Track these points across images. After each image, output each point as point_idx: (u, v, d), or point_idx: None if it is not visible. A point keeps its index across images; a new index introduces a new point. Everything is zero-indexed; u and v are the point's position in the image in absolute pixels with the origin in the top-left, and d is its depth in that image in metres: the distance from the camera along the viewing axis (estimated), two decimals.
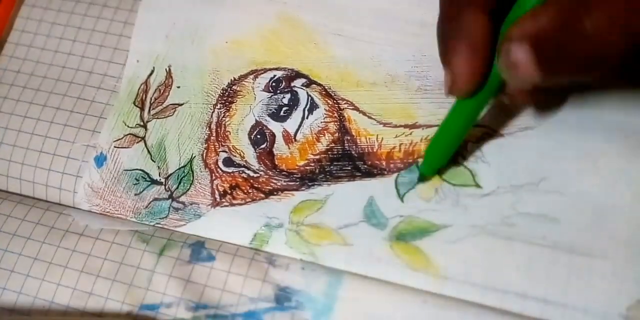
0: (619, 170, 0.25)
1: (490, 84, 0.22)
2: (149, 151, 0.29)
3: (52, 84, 0.31)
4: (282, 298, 0.25)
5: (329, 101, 0.29)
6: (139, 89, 0.31)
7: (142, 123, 0.30)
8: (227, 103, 0.30)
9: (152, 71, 0.31)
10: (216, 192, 0.28)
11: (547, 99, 0.26)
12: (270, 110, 0.29)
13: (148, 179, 0.29)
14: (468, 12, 0.21)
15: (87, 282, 0.26)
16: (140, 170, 0.29)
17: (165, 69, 0.31)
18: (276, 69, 0.30)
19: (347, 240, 0.26)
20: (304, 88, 0.29)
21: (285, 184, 0.28)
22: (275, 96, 0.29)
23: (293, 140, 0.28)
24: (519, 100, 0.25)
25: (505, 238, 0.25)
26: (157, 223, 0.28)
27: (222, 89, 0.30)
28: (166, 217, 0.28)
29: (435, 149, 0.25)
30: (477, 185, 0.26)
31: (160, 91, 0.31)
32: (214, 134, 0.29)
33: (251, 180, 0.28)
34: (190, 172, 0.29)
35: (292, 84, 0.29)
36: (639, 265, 0.23)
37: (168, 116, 0.30)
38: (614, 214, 0.24)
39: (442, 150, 0.25)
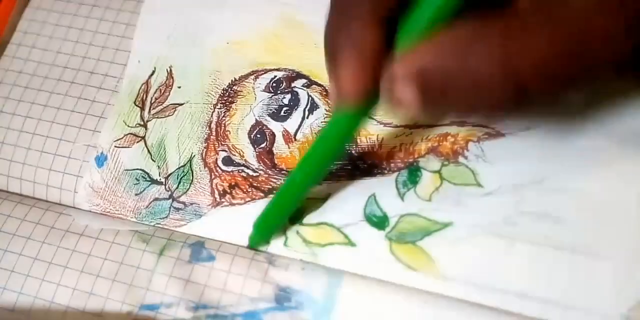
0: (622, 170, 0.25)
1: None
2: (149, 151, 0.30)
3: (54, 84, 0.32)
4: (282, 298, 0.25)
5: (329, 102, 0.29)
6: (139, 89, 0.31)
7: (142, 122, 0.30)
8: (227, 103, 0.30)
9: (153, 71, 0.31)
10: (216, 191, 0.28)
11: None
12: (271, 110, 0.29)
13: (148, 178, 0.29)
14: (358, 24, 0.20)
15: (87, 282, 0.26)
16: (140, 170, 0.29)
17: (167, 70, 0.31)
18: (277, 69, 0.30)
19: (347, 239, 0.26)
20: (304, 88, 0.29)
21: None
22: (276, 96, 0.29)
23: (293, 139, 0.28)
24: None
25: (507, 238, 0.25)
26: (158, 223, 0.28)
27: (223, 89, 0.30)
28: (167, 217, 0.28)
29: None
30: (479, 185, 0.26)
31: (160, 91, 0.31)
32: (214, 134, 0.29)
33: (250, 179, 0.28)
34: (190, 171, 0.29)
35: (293, 85, 0.29)
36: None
37: (168, 116, 0.30)
38: (617, 214, 0.24)
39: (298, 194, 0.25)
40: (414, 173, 0.27)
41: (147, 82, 0.31)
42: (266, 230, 0.26)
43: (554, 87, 0.18)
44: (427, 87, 0.18)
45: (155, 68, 0.31)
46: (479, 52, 0.18)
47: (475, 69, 0.18)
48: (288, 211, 0.26)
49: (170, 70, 0.31)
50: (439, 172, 0.26)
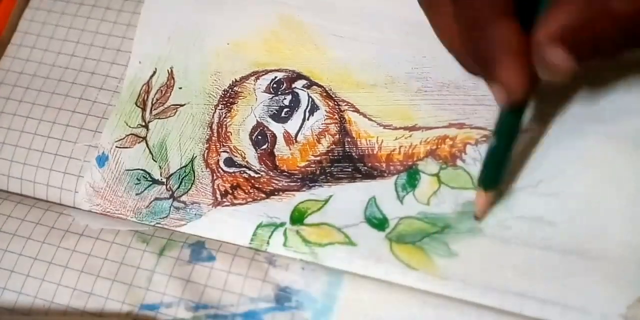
0: (617, 172, 0.25)
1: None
2: (150, 151, 0.30)
3: (55, 85, 0.32)
4: (282, 298, 0.25)
5: (329, 103, 0.29)
6: (140, 89, 0.31)
7: (143, 123, 0.30)
8: (228, 104, 0.30)
9: (154, 72, 0.31)
10: (217, 192, 0.28)
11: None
12: (272, 111, 0.29)
13: (149, 178, 0.29)
14: (498, 21, 0.21)
15: (87, 282, 0.26)
16: (141, 170, 0.29)
17: (167, 70, 0.31)
18: (277, 70, 0.30)
19: (347, 239, 0.26)
20: (304, 89, 0.29)
21: (286, 184, 0.28)
22: (276, 97, 0.29)
23: (294, 141, 0.29)
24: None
25: (504, 240, 0.25)
26: (158, 223, 0.28)
27: (224, 90, 0.30)
28: (167, 216, 0.28)
29: (494, 163, 0.25)
30: (476, 189, 0.26)
31: (162, 92, 0.31)
32: (215, 135, 0.29)
33: (252, 181, 0.28)
34: (192, 172, 0.29)
35: (293, 86, 0.30)
36: (638, 265, 0.24)
37: (169, 116, 0.30)
38: (613, 214, 0.25)
39: (500, 162, 0.25)
40: (413, 176, 0.27)
41: (148, 83, 0.31)
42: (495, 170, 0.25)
43: None
44: (575, 43, 0.20)
45: (156, 69, 0.31)
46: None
47: (621, 7, 0.19)
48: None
49: (171, 71, 0.31)
50: (437, 175, 0.27)
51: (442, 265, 0.25)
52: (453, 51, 0.24)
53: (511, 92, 0.21)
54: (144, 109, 0.31)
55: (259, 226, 0.27)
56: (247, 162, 0.29)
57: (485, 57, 0.22)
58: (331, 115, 0.29)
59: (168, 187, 0.29)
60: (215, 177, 0.29)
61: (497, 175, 0.25)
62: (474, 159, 0.27)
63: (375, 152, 0.28)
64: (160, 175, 0.29)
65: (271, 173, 0.28)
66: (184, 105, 0.30)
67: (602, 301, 0.23)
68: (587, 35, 0.20)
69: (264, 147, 0.29)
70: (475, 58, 0.22)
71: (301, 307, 0.25)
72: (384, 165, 0.27)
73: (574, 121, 0.26)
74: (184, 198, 0.28)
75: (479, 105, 0.28)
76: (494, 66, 0.21)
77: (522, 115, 0.23)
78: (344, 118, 0.28)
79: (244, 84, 0.30)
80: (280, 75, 0.30)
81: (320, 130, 0.28)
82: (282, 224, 0.27)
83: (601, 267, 0.24)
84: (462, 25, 0.22)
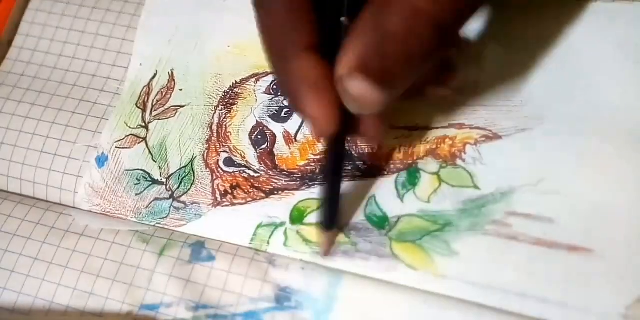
0: (617, 171, 0.25)
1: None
2: (150, 152, 0.30)
3: (55, 87, 0.32)
4: (282, 298, 0.25)
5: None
6: (141, 91, 0.31)
7: (143, 124, 0.30)
8: (228, 105, 0.30)
9: (155, 74, 0.31)
10: (217, 191, 0.28)
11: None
12: (271, 111, 0.29)
13: (149, 179, 0.29)
14: (299, 55, 0.20)
15: (87, 282, 0.26)
16: (141, 170, 0.29)
17: (168, 73, 0.31)
18: None
19: (347, 239, 0.26)
20: None
21: (285, 183, 0.28)
22: (277, 98, 0.30)
23: (294, 140, 0.29)
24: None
25: (504, 238, 0.25)
26: (158, 223, 0.28)
27: (224, 92, 0.30)
28: (167, 216, 0.28)
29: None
30: (476, 187, 0.26)
31: (162, 94, 0.31)
32: (215, 135, 0.30)
33: (252, 180, 0.28)
34: (192, 172, 0.29)
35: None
36: (638, 264, 0.24)
37: (169, 117, 0.30)
38: (613, 213, 0.24)
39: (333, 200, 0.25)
40: (413, 175, 0.27)
41: (148, 85, 0.31)
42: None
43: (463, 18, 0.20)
44: (371, 68, 0.19)
45: (157, 71, 0.31)
46: (393, 19, 0.19)
47: (398, 31, 0.19)
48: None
49: (172, 73, 0.31)
50: (437, 174, 0.27)
51: (443, 264, 0.25)
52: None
53: (319, 128, 0.21)
54: (144, 110, 0.31)
55: (259, 226, 0.27)
56: (246, 161, 0.29)
57: (290, 93, 0.21)
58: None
59: (168, 187, 0.29)
60: (214, 177, 0.29)
61: (333, 215, 0.25)
62: (474, 159, 0.27)
63: (375, 151, 0.28)
64: (160, 176, 0.29)
65: (271, 172, 0.28)
66: (184, 106, 0.30)
67: (602, 301, 0.23)
68: (381, 60, 0.19)
69: (264, 146, 0.29)
70: (283, 92, 0.22)
71: (301, 307, 0.25)
72: (384, 163, 0.27)
73: (574, 120, 0.26)
74: (183, 198, 0.29)
75: (478, 106, 0.28)
76: (299, 103, 0.21)
77: (342, 148, 0.23)
78: None
79: (244, 85, 0.30)
80: None
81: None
82: (282, 224, 0.27)
83: (601, 267, 0.24)
84: (270, 57, 0.22)
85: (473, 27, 0.28)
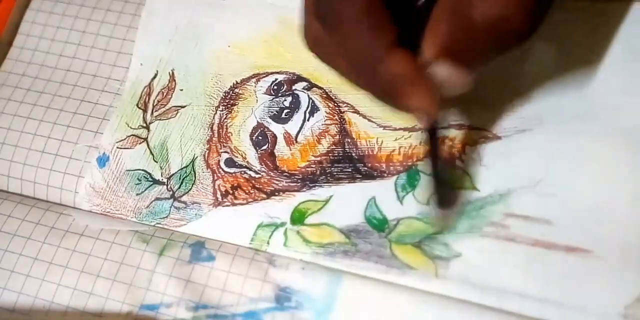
0: (616, 172, 0.25)
1: None
2: (151, 152, 0.30)
3: (56, 87, 0.32)
4: (282, 298, 0.25)
5: (329, 104, 0.29)
6: (142, 91, 0.31)
7: (144, 124, 0.30)
8: (229, 105, 0.30)
9: (156, 75, 0.31)
10: (218, 192, 0.28)
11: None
12: (272, 112, 0.29)
13: (150, 179, 0.29)
14: (388, 55, 0.21)
15: (87, 282, 0.26)
16: (142, 170, 0.30)
17: (169, 73, 0.31)
18: (278, 72, 0.30)
19: (347, 240, 0.26)
20: (305, 91, 0.30)
21: (286, 184, 0.28)
22: (277, 99, 0.30)
23: (294, 141, 0.29)
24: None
25: (503, 239, 0.25)
26: (158, 223, 0.28)
27: (225, 92, 0.30)
28: (167, 216, 0.28)
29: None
30: (475, 188, 0.26)
31: (163, 94, 0.31)
32: (216, 135, 0.30)
33: (253, 181, 0.28)
34: (192, 172, 0.29)
35: (294, 87, 0.30)
36: (636, 264, 0.24)
37: (170, 118, 0.30)
38: (611, 214, 0.25)
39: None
40: (412, 176, 0.27)
41: (149, 85, 0.31)
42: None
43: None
44: (458, 53, 0.20)
45: (157, 71, 0.31)
46: (480, 6, 0.20)
47: (485, 17, 0.20)
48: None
49: (173, 73, 0.31)
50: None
51: (442, 265, 0.25)
52: (362, 89, 0.23)
53: (428, 117, 0.22)
54: (145, 111, 0.31)
55: (259, 226, 0.27)
56: (247, 162, 0.29)
57: (389, 93, 0.22)
58: (331, 116, 0.29)
59: (169, 187, 0.29)
60: (215, 178, 0.29)
61: (446, 195, 0.26)
62: (474, 160, 0.27)
63: (375, 153, 0.28)
64: (161, 176, 0.29)
65: (272, 173, 0.28)
66: (185, 106, 0.30)
67: (601, 301, 0.23)
68: (465, 45, 0.20)
69: (265, 147, 0.29)
70: (380, 96, 0.22)
71: (301, 307, 0.25)
72: (383, 165, 0.28)
73: (572, 121, 0.26)
74: (184, 198, 0.29)
75: (477, 106, 0.28)
76: (401, 99, 0.21)
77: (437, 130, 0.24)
78: (344, 119, 0.29)
79: (245, 85, 0.30)
80: (280, 77, 0.30)
81: (321, 131, 0.29)
82: (282, 224, 0.27)
83: (600, 267, 0.24)
84: (356, 65, 0.22)
85: None
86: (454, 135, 0.27)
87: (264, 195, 0.28)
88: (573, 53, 0.27)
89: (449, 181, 0.26)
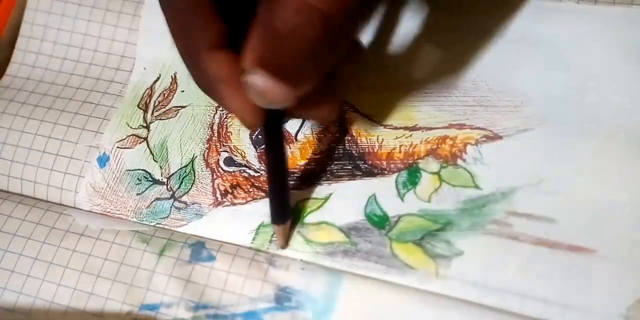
0: (618, 171, 0.25)
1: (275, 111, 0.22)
2: (151, 151, 0.30)
3: (60, 89, 0.32)
4: (282, 298, 0.25)
5: None
6: (144, 93, 0.31)
7: (144, 124, 0.31)
8: None
9: (158, 78, 0.32)
10: (217, 191, 0.28)
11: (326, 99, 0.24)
12: None
13: (150, 178, 0.29)
14: (205, 55, 0.21)
15: (87, 282, 0.26)
16: (142, 170, 0.30)
17: (171, 76, 0.31)
18: None
19: (347, 238, 0.26)
20: None
21: None
22: None
23: (294, 140, 0.29)
24: (309, 116, 0.24)
25: (505, 238, 0.25)
26: (158, 223, 0.28)
27: None
28: (167, 216, 0.28)
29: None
30: (477, 187, 0.26)
31: (164, 95, 0.31)
32: (216, 135, 0.30)
33: (252, 180, 0.28)
34: (192, 171, 0.29)
35: None
36: (638, 264, 0.23)
37: (170, 117, 0.30)
38: (613, 213, 0.24)
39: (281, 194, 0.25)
40: (413, 174, 0.27)
41: (151, 88, 0.31)
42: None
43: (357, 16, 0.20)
44: (267, 63, 0.19)
45: (160, 75, 0.32)
46: (281, 14, 0.18)
47: (285, 27, 0.18)
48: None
49: (175, 76, 0.31)
50: (438, 173, 0.27)
51: (443, 264, 0.25)
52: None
53: (244, 121, 0.21)
54: (145, 111, 0.31)
55: (260, 226, 0.27)
56: (247, 161, 0.29)
57: (208, 90, 0.22)
58: None
59: (169, 187, 0.29)
60: (215, 177, 0.29)
61: (283, 209, 0.25)
62: (475, 159, 0.27)
63: (375, 151, 0.28)
64: (161, 176, 0.29)
65: None
66: (186, 106, 0.31)
67: (602, 301, 0.23)
68: (279, 55, 0.19)
69: (264, 146, 0.29)
70: (202, 89, 0.22)
71: (301, 307, 0.25)
72: (384, 163, 0.27)
73: (574, 120, 0.26)
74: (184, 198, 0.29)
75: (478, 106, 0.28)
76: (218, 99, 0.21)
77: (279, 137, 0.23)
78: (344, 117, 0.29)
79: None
80: None
81: (321, 129, 0.29)
82: None
83: (602, 267, 0.24)
84: (183, 59, 0.22)
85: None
86: (455, 134, 0.27)
87: (263, 194, 0.28)
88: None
89: (286, 192, 0.25)
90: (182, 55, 0.22)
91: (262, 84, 0.19)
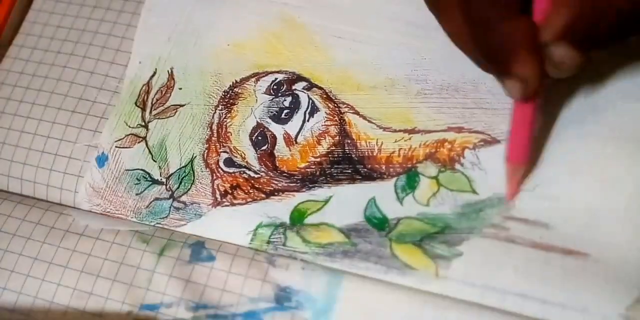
0: (613, 175, 0.25)
1: None
2: (150, 151, 0.30)
3: (54, 84, 0.32)
4: (282, 298, 0.25)
5: (329, 105, 0.29)
6: (140, 90, 0.31)
7: (143, 123, 0.30)
8: (228, 105, 0.30)
9: (154, 73, 0.31)
10: (217, 191, 0.28)
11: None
12: (272, 112, 0.29)
13: (149, 178, 0.29)
14: (512, 19, 0.22)
15: (87, 282, 0.26)
16: (141, 170, 0.29)
17: (168, 71, 0.31)
18: (277, 72, 0.30)
19: (347, 240, 0.27)
20: (305, 91, 0.30)
21: (286, 185, 0.28)
22: (277, 99, 0.30)
23: (294, 142, 0.29)
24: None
25: (503, 241, 0.25)
26: (158, 223, 0.28)
27: (224, 91, 0.30)
28: (167, 216, 0.28)
29: None
30: (474, 192, 0.26)
31: (162, 92, 0.31)
32: (215, 135, 0.30)
33: (252, 181, 0.28)
34: (191, 172, 0.29)
35: (294, 87, 0.30)
36: (637, 265, 0.24)
37: (169, 117, 0.30)
38: (610, 216, 0.25)
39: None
40: (412, 178, 0.27)
41: (148, 84, 0.31)
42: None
43: None
44: (579, 37, 0.21)
45: (156, 69, 0.31)
46: None
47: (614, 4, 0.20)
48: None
49: (171, 71, 0.31)
50: (436, 178, 0.27)
51: (442, 264, 0.25)
52: (466, 52, 0.24)
53: (528, 83, 0.22)
54: (143, 109, 0.31)
55: (259, 226, 0.27)
56: (247, 162, 0.29)
57: (499, 54, 0.22)
58: (331, 117, 0.29)
59: (168, 187, 0.29)
60: (215, 177, 0.29)
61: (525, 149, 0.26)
62: (472, 163, 0.27)
63: (375, 154, 0.28)
64: (160, 175, 0.29)
65: (271, 174, 0.28)
66: (184, 105, 0.30)
67: (602, 301, 0.24)
68: (588, 30, 0.21)
69: (264, 147, 0.29)
70: (488, 56, 0.23)
71: (301, 307, 0.25)
72: (383, 167, 0.28)
73: (571, 124, 0.27)
74: (183, 198, 0.29)
75: (477, 108, 0.28)
76: (510, 61, 0.22)
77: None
78: (344, 120, 0.29)
79: (244, 85, 0.30)
80: (280, 76, 0.30)
81: (320, 131, 0.29)
82: (282, 224, 0.27)
83: (601, 268, 0.24)
84: (475, 25, 0.22)
85: None
86: (453, 138, 0.27)
87: (263, 195, 0.28)
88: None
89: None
90: (475, 18, 0.22)
91: (564, 56, 0.21)
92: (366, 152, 0.28)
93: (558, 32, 0.21)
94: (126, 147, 0.30)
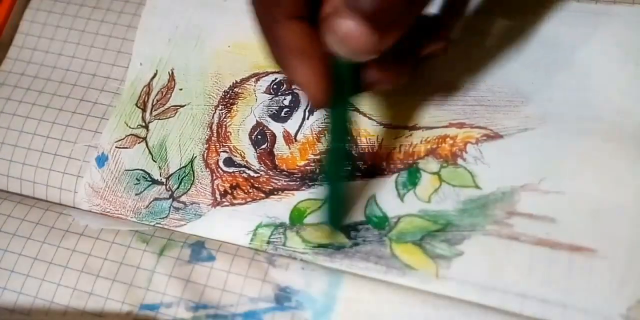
0: (619, 170, 0.25)
1: (343, 83, 0.21)
2: (150, 151, 0.30)
3: (56, 86, 0.32)
4: (282, 298, 0.25)
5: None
6: (141, 91, 0.31)
7: (143, 124, 0.30)
8: (228, 104, 0.30)
9: (155, 74, 0.31)
10: (217, 191, 0.28)
11: (401, 68, 0.24)
12: (271, 111, 0.29)
13: (149, 179, 0.29)
14: (283, 24, 0.20)
15: (87, 282, 0.26)
16: (141, 170, 0.29)
17: (168, 72, 0.31)
18: (277, 72, 0.30)
19: (347, 239, 0.26)
20: None
21: (285, 183, 0.28)
22: (277, 98, 0.30)
23: (293, 140, 0.29)
24: (381, 82, 0.23)
25: (505, 238, 0.25)
26: (158, 223, 0.28)
27: (224, 91, 0.30)
28: (166, 216, 0.28)
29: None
30: (477, 187, 0.26)
31: (162, 93, 0.31)
32: (215, 135, 0.30)
33: (252, 180, 0.28)
34: (191, 172, 0.29)
35: (293, 86, 0.30)
36: (639, 265, 0.23)
37: (169, 117, 0.30)
38: (614, 213, 0.24)
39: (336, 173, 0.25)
40: (413, 174, 0.27)
41: (149, 85, 0.31)
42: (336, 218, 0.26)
43: None
44: (359, 4, 0.18)
45: (157, 71, 0.31)
46: None
47: None
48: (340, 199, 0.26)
49: (172, 72, 0.31)
50: (438, 173, 0.27)
51: (443, 264, 0.25)
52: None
53: (310, 95, 0.21)
54: (144, 110, 0.31)
55: (259, 226, 0.27)
56: (246, 161, 0.29)
57: (279, 60, 0.21)
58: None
59: (167, 187, 0.29)
60: (214, 177, 0.29)
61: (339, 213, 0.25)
62: (475, 158, 0.27)
63: (375, 151, 0.28)
64: (160, 176, 0.29)
65: (270, 172, 0.28)
66: (184, 106, 0.30)
67: (603, 301, 0.23)
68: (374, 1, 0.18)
69: (264, 146, 0.29)
70: (275, 63, 0.22)
71: (301, 307, 0.25)
72: (384, 163, 0.27)
73: (575, 120, 0.26)
74: (183, 198, 0.28)
75: (478, 105, 0.28)
76: (287, 71, 0.21)
77: (344, 115, 0.23)
78: None
79: (244, 85, 0.30)
80: (280, 76, 0.30)
81: (320, 129, 0.28)
82: (281, 224, 0.27)
83: (602, 267, 0.24)
84: (259, 26, 0.22)
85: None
86: (455, 133, 0.27)
87: (263, 195, 0.28)
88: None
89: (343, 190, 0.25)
90: (259, 23, 0.21)
91: (348, 28, 0.18)
92: (366, 149, 0.28)
93: (339, 2, 0.18)
94: (126, 148, 0.30)
